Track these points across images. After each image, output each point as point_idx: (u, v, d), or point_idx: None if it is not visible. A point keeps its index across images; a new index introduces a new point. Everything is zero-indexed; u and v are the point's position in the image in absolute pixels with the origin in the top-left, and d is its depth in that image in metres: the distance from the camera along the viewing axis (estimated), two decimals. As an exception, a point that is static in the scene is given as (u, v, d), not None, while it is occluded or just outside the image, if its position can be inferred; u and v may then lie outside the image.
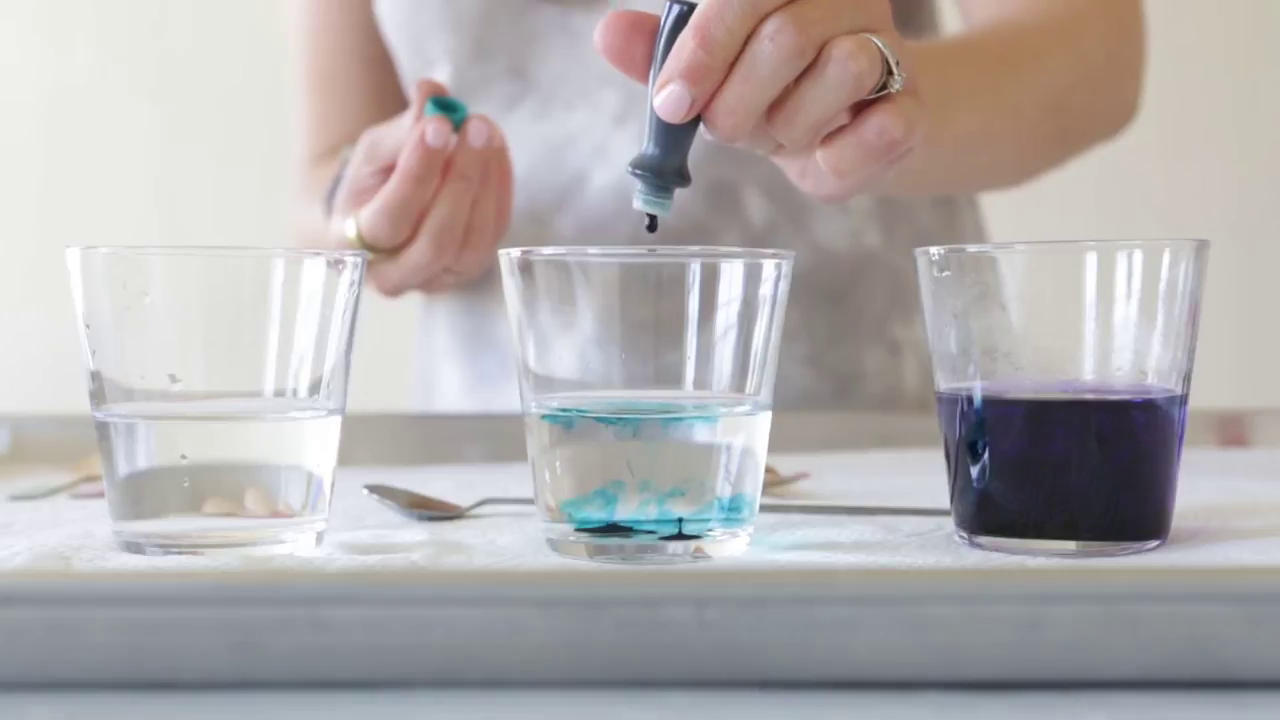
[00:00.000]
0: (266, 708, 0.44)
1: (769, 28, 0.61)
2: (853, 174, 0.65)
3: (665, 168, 0.64)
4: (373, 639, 0.45)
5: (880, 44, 0.63)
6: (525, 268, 0.61)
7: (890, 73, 0.64)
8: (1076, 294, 0.60)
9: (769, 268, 0.60)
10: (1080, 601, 0.45)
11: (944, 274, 0.62)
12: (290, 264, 0.61)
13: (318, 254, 0.62)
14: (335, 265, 0.62)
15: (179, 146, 2.08)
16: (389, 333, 1.85)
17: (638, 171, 0.64)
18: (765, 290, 0.60)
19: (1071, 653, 0.45)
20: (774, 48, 0.61)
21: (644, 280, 0.59)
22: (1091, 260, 0.59)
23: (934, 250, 0.62)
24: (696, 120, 0.63)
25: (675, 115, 0.62)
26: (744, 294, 0.60)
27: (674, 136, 0.63)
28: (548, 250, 0.61)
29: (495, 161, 0.91)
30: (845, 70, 0.62)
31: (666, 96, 0.62)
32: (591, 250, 0.60)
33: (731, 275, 0.59)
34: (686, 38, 0.61)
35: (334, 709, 0.44)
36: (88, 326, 0.61)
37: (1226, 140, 2.16)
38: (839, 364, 1.06)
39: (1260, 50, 2.17)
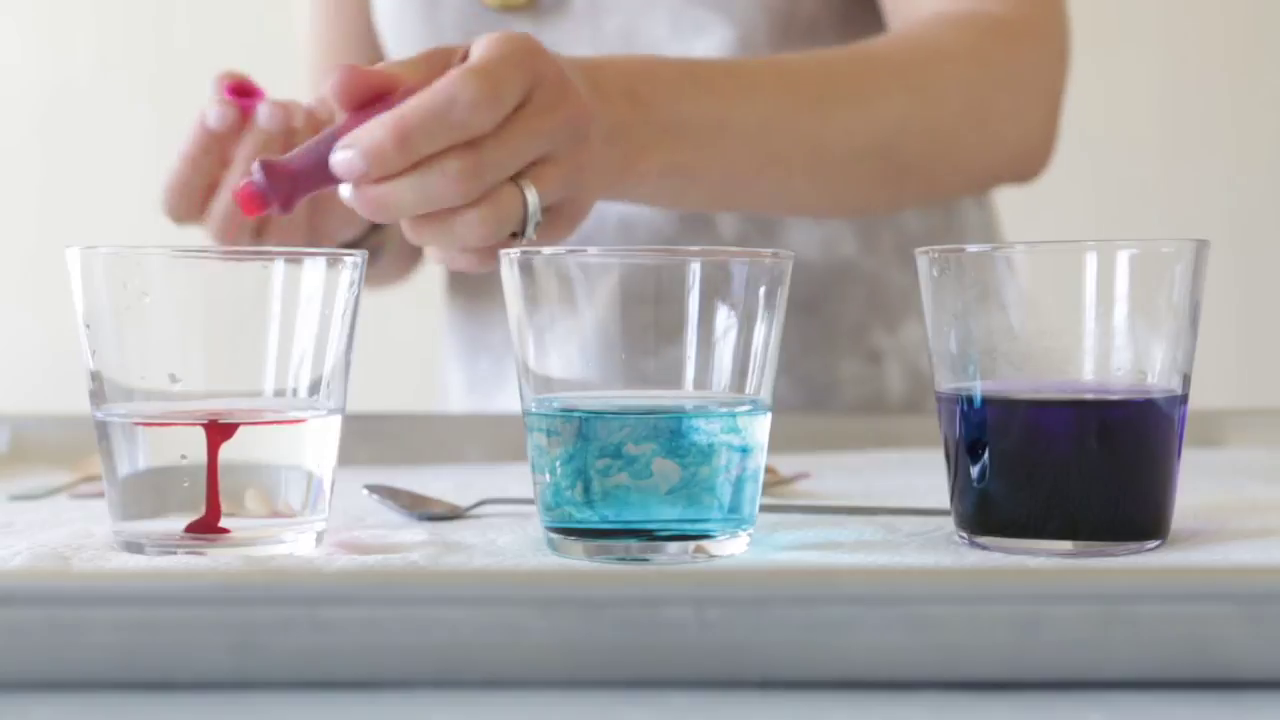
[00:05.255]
0: (266, 708, 0.44)
1: (454, 164, 0.68)
2: (446, 260, 0.74)
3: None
4: (373, 639, 0.45)
5: (531, 196, 0.71)
6: (525, 268, 0.61)
7: (525, 223, 0.71)
8: (1076, 294, 0.60)
9: (769, 267, 0.60)
10: (1080, 601, 0.45)
11: (944, 274, 0.62)
12: (290, 264, 0.61)
13: (317, 254, 0.62)
14: (335, 265, 0.62)
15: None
16: (389, 333, 1.85)
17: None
18: (765, 290, 0.60)
19: (1071, 653, 0.45)
20: (446, 184, 0.68)
21: (644, 280, 0.59)
22: (1091, 260, 0.59)
23: (934, 250, 0.62)
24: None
25: (346, 176, 0.68)
26: (744, 294, 0.60)
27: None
28: (548, 250, 0.61)
29: None
30: (490, 216, 0.69)
31: (344, 159, 0.67)
32: (591, 250, 0.60)
33: (731, 275, 0.59)
34: (390, 124, 0.66)
35: (334, 709, 0.44)
36: (88, 326, 0.61)
37: (1226, 140, 2.16)
38: (813, 374, 1.06)
39: (1260, 50, 2.17)
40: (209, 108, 0.86)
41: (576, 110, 0.72)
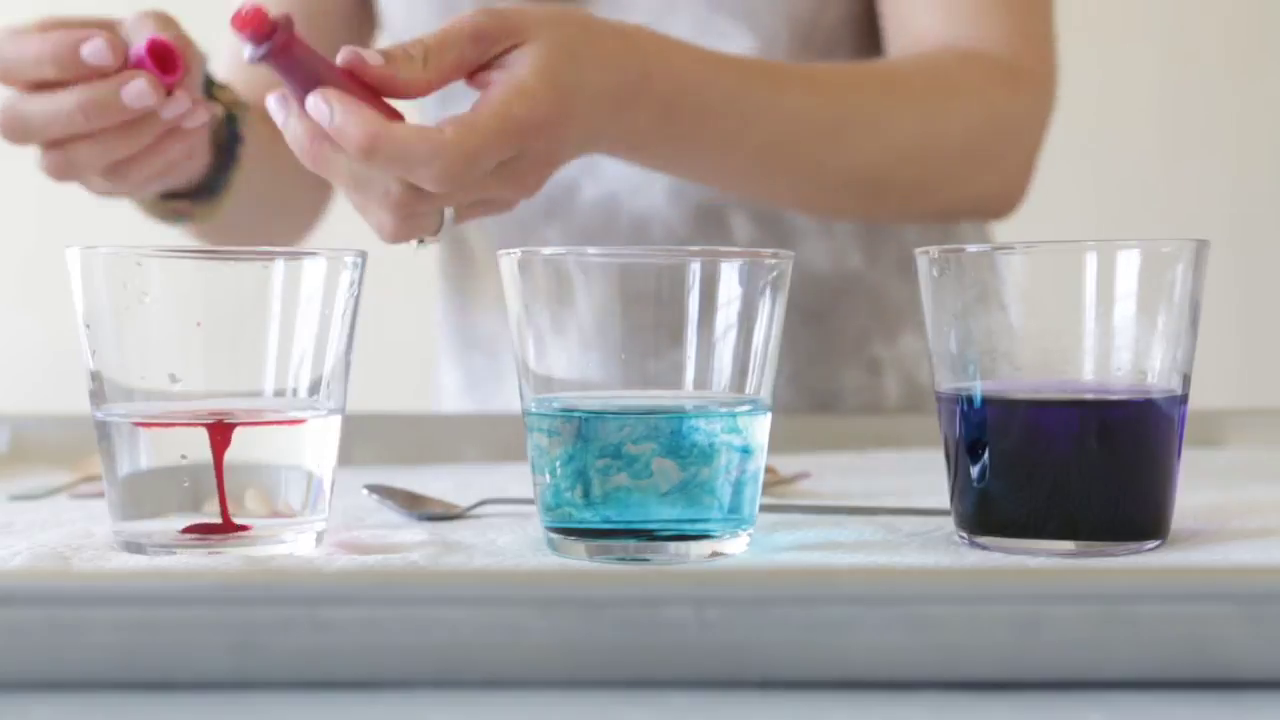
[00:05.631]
0: (266, 708, 0.44)
1: (393, 195, 0.69)
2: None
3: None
4: (373, 639, 0.45)
5: (447, 213, 0.72)
6: (525, 268, 0.61)
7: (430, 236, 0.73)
8: (1076, 294, 0.60)
9: (769, 267, 0.60)
10: (1080, 601, 0.45)
11: (944, 274, 0.62)
12: (290, 264, 0.61)
13: (317, 254, 0.62)
14: (335, 265, 0.62)
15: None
16: (388, 333, 1.85)
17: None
18: (765, 290, 0.60)
19: (1071, 653, 0.45)
20: (379, 204, 0.69)
21: (644, 280, 0.59)
22: (1091, 260, 0.59)
23: (933, 250, 0.62)
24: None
25: (312, 117, 0.67)
26: (744, 294, 0.60)
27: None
28: (548, 250, 0.61)
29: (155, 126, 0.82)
30: (402, 230, 0.71)
31: (318, 109, 0.67)
32: (591, 250, 0.60)
33: (731, 275, 0.59)
34: (368, 135, 0.66)
35: (334, 709, 0.44)
36: (88, 326, 0.61)
37: (1226, 140, 2.16)
38: (817, 383, 1.07)
39: (1260, 50, 2.17)
40: (98, 38, 0.78)
41: (531, 190, 0.73)
